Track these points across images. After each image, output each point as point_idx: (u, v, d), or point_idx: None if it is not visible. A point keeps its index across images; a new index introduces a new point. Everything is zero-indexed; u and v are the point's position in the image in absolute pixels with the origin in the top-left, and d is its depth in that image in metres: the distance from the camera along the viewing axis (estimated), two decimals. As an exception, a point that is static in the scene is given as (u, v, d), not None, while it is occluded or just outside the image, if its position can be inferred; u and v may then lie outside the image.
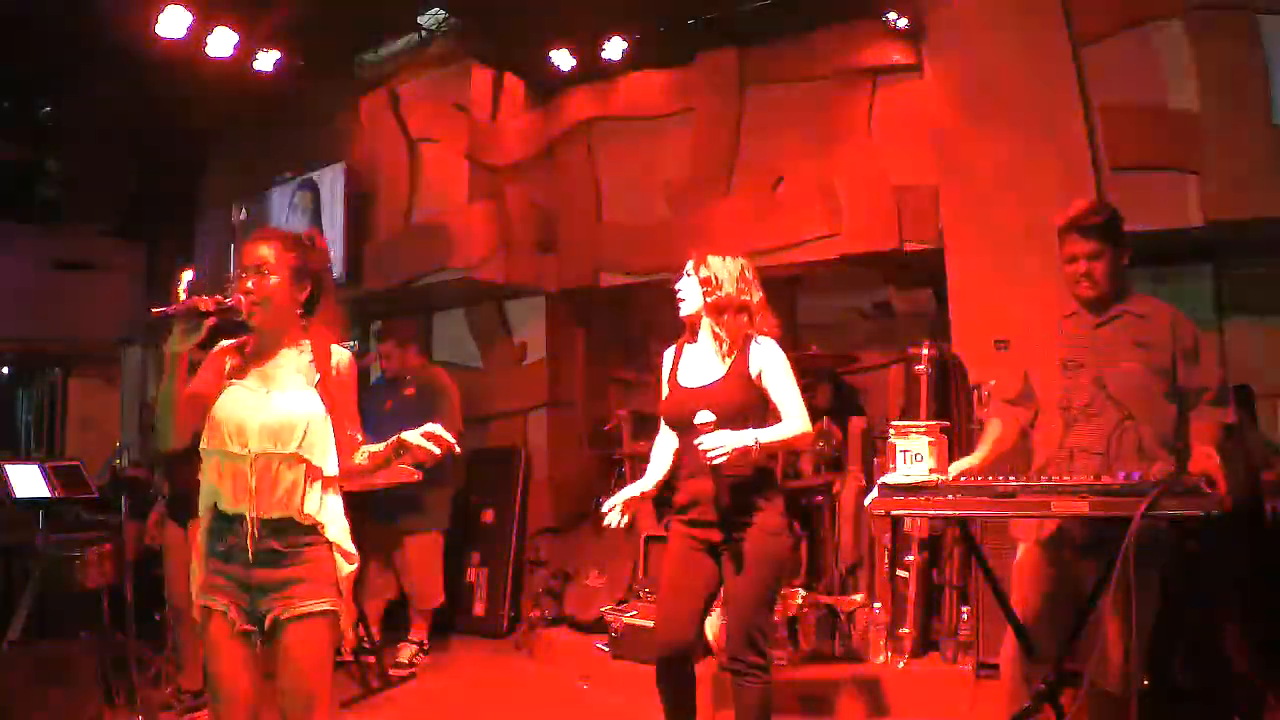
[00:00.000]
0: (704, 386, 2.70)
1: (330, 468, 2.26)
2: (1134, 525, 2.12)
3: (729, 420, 2.55)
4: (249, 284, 2.22)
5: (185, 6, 4.58)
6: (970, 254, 4.47)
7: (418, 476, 4.32)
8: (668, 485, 2.86)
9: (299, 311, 2.32)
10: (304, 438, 2.21)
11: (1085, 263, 2.62)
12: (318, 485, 2.23)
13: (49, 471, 4.04)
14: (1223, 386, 2.59)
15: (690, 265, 2.82)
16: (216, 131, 6.68)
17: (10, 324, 6.70)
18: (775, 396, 2.68)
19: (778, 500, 2.69)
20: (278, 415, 2.21)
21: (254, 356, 2.31)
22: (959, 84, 4.54)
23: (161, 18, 4.55)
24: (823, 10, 4.99)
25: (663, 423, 2.89)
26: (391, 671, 4.30)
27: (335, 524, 2.27)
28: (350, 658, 4.27)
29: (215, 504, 2.22)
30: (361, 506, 4.50)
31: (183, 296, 3.45)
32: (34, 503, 3.96)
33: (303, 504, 2.19)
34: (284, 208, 6.36)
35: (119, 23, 4.65)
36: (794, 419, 2.65)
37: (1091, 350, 2.64)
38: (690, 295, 2.79)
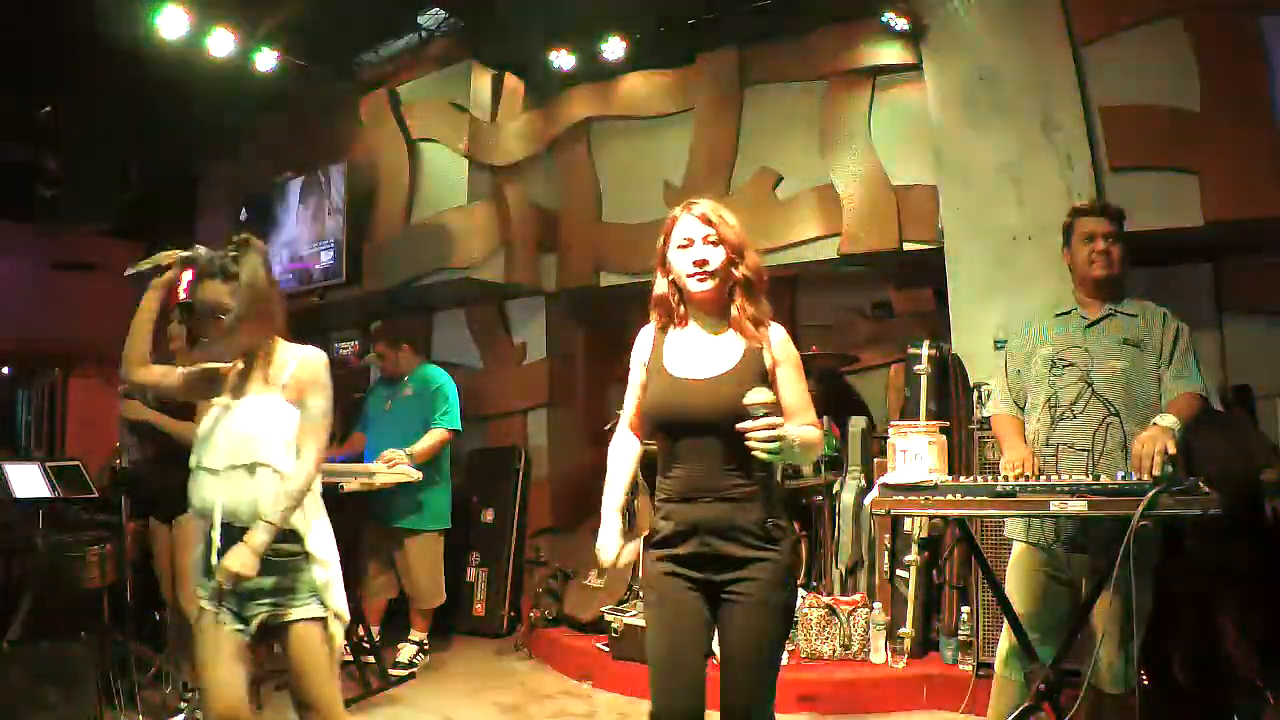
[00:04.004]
0: (713, 378, 2.09)
1: (296, 471, 2.29)
2: (1133, 525, 2.12)
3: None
4: (210, 326, 2.35)
5: (185, 7, 4.58)
6: (970, 254, 4.47)
7: (418, 476, 4.33)
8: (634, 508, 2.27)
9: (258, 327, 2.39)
10: (265, 445, 2.27)
11: (1103, 242, 2.68)
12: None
13: (49, 471, 4.04)
14: (1206, 387, 2.57)
15: (699, 217, 2.14)
16: (216, 131, 6.69)
17: (10, 324, 6.70)
18: (788, 397, 2.12)
19: (788, 526, 2.13)
20: (239, 426, 2.30)
21: (236, 373, 2.42)
22: (959, 84, 4.55)
23: (161, 18, 4.55)
24: (823, 10, 4.99)
25: (623, 427, 2.32)
26: (391, 671, 4.31)
27: (311, 529, 2.30)
28: (349, 657, 4.29)
29: (200, 512, 2.33)
30: (361, 506, 4.56)
31: (182, 296, 3.48)
32: (34, 503, 3.95)
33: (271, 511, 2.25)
34: (284, 208, 6.37)
35: (119, 23, 4.65)
36: (810, 426, 2.12)
37: (1081, 349, 2.67)
38: (715, 265, 2.12)
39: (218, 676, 2.27)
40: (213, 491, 2.29)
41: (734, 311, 2.15)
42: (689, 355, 2.16)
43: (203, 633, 2.30)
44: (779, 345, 2.15)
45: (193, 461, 2.36)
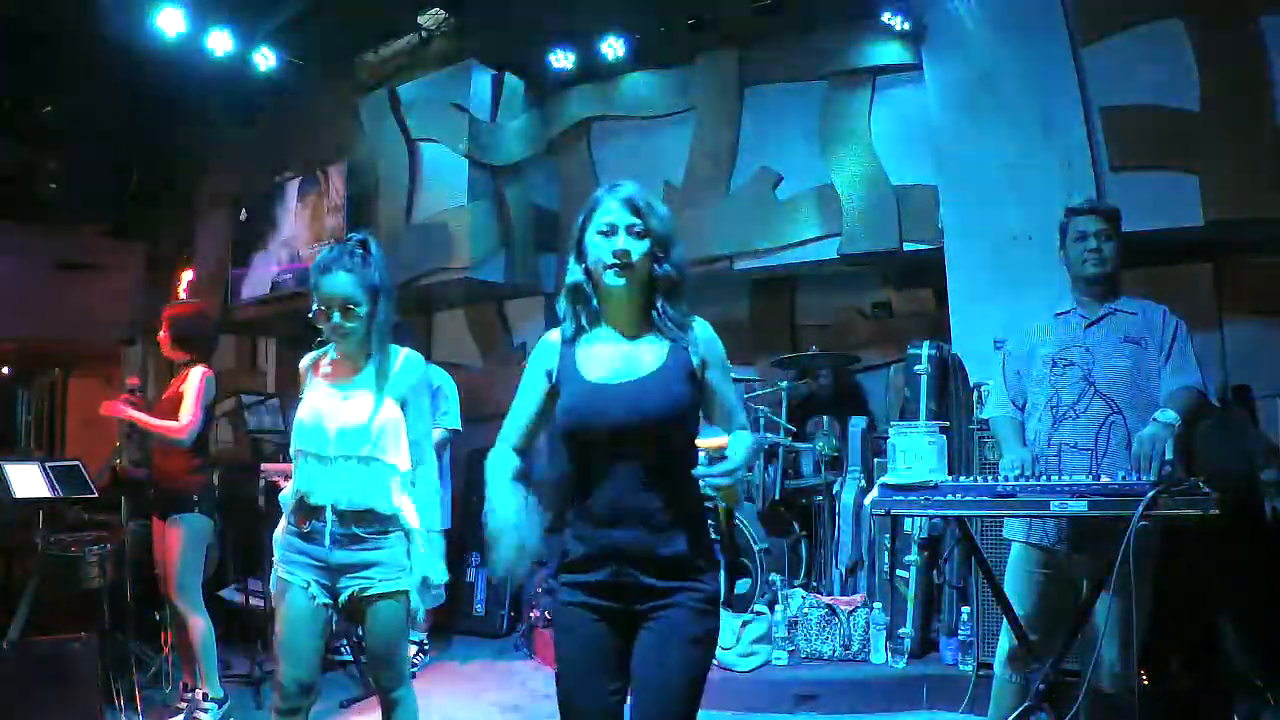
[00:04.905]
0: (636, 381, 1.87)
1: (404, 462, 2.45)
2: (1133, 525, 2.12)
3: (676, 431, 1.81)
4: (336, 317, 2.38)
5: (185, 6, 4.59)
6: (970, 254, 4.47)
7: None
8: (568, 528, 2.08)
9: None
10: (382, 439, 2.41)
11: (1095, 240, 2.68)
12: (396, 479, 2.44)
13: (49, 471, 4.03)
14: (1204, 382, 2.58)
15: (625, 203, 1.88)
16: (216, 131, 6.69)
17: (10, 324, 6.70)
18: (719, 397, 1.93)
19: (714, 551, 1.95)
20: (355, 418, 2.41)
21: (335, 363, 2.51)
22: (959, 84, 4.55)
23: (160, 17, 4.55)
24: (823, 10, 4.99)
25: (504, 441, 2.15)
26: (391, 671, 4.30)
27: (410, 510, 2.46)
28: (350, 657, 4.29)
29: (302, 494, 2.44)
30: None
31: (182, 296, 3.50)
32: (34, 503, 3.95)
33: (382, 498, 2.41)
34: (284, 207, 6.37)
35: (118, 22, 4.66)
36: (744, 428, 1.92)
37: (1082, 348, 2.67)
38: (637, 259, 1.86)
39: (299, 645, 2.39)
40: (321, 478, 2.40)
41: (654, 314, 1.91)
42: (606, 359, 1.92)
43: (290, 604, 2.40)
44: (706, 344, 1.92)
45: (295, 447, 2.46)
